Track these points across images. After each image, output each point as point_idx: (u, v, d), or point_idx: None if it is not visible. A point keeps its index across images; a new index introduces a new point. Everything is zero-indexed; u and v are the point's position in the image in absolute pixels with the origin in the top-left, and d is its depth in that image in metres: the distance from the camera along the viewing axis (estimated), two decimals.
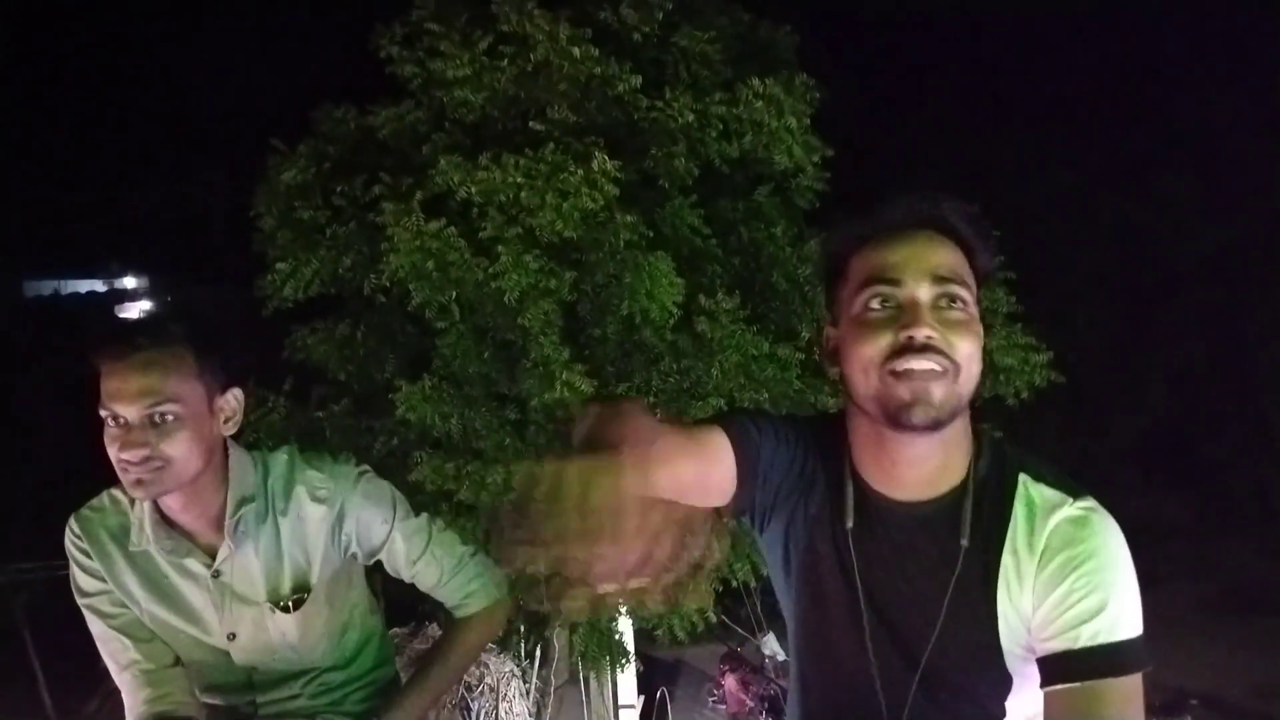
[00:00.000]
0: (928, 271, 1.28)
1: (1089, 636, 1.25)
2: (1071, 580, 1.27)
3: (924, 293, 1.27)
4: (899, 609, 1.34)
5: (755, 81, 4.89)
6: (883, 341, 1.26)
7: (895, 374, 1.26)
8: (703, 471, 1.28)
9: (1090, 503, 1.33)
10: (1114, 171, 16.63)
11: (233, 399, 1.65)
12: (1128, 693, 1.24)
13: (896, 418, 1.26)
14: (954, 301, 1.28)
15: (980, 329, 1.29)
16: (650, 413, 1.20)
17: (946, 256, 1.29)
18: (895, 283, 1.27)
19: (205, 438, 1.62)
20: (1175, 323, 16.18)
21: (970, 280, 1.31)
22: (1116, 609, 1.26)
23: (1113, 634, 1.25)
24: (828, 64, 5.38)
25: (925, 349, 1.25)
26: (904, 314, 1.27)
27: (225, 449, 1.69)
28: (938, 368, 1.26)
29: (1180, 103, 16.68)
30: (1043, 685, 1.28)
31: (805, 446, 1.41)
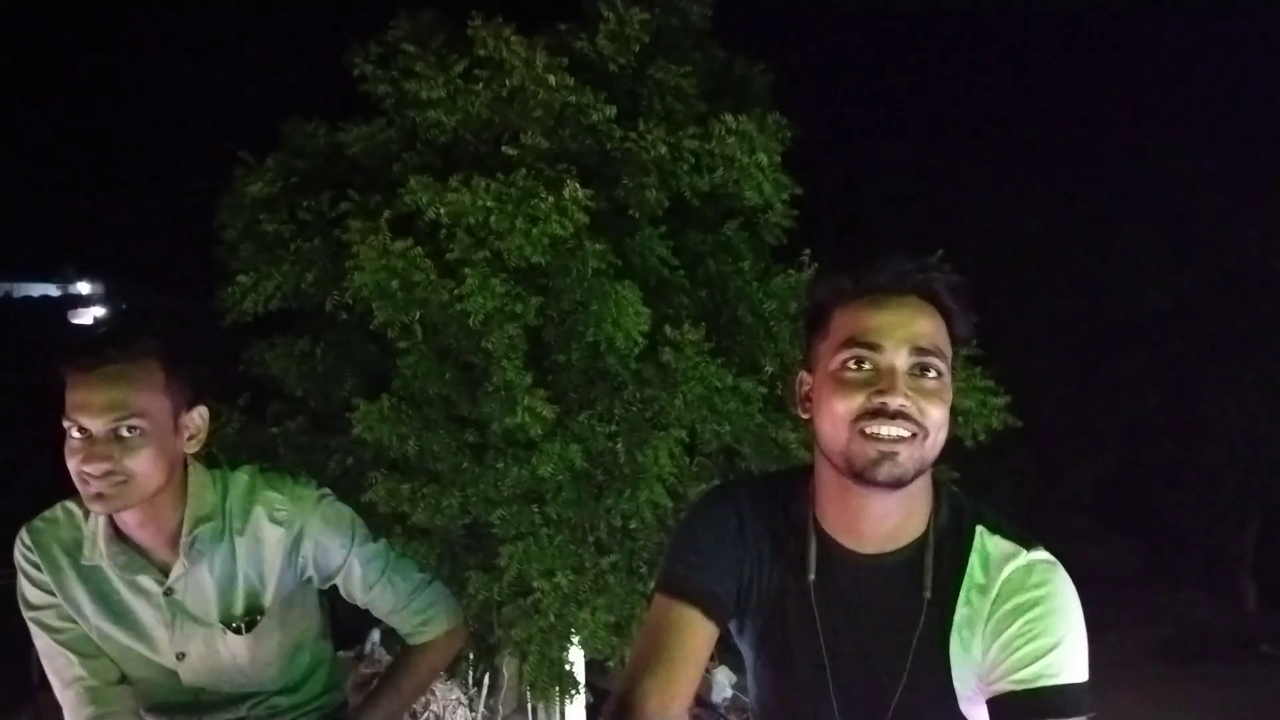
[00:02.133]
0: (908, 340, 1.31)
1: (1035, 678, 1.29)
2: (1020, 624, 1.31)
3: (902, 360, 1.31)
4: (863, 660, 1.36)
5: (729, 117, 4.93)
6: (856, 401, 1.30)
7: (865, 434, 1.30)
8: (705, 657, 1.41)
9: (1043, 554, 1.37)
10: (1077, 221, 16.94)
11: (198, 416, 1.63)
12: None
13: (862, 474, 1.30)
14: (928, 370, 1.32)
15: (950, 395, 1.34)
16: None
17: (926, 326, 1.33)
18: (875, 348, 1.30)
19: (168, 454, 1.59)
20: (1131, 372, 16.46)
21: (947, 349, 1.35)
22: (1063, 653, 1.30)
23: (1058, 676, 1.29)
24: (800, 103, 5.44)
25: (897, 415, 1.29)
26: (880, 379, 1.30)
27: (185, 466, 1.66)
28: (906, 433, 1.30)
29: (1143, 154, 17.05)
30: None
31: (760, 510, 1.44)
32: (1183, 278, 16.00)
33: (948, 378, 1.33)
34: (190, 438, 1.62)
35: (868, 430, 1.29)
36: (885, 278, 1.32)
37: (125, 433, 1.53)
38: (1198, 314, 15.91)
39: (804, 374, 1.39)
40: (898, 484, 1.29)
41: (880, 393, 1.28)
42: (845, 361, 1.31)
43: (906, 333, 1.30)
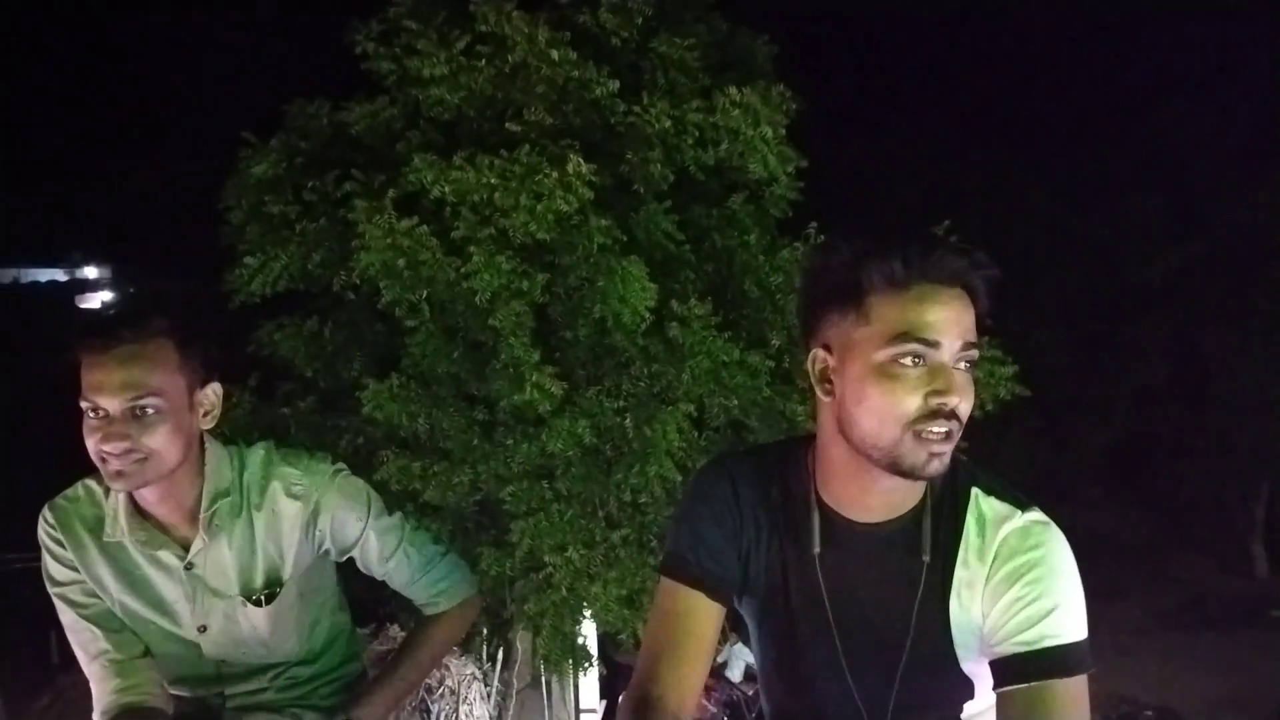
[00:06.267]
0: (960, 336, 1.28)
1: (1037, 639, 1.30)
2: (1019, 587, 1.32)
3: (952, 357, 1.28)
4: (868, 627, 1.38)
5: (732, 90, 4.92)
6: (913, 402, 1.26)
7: (919, 435, 1.27)
8: (714, 638, 1.43)
9: (1038, 514, 1.37)
10: (1084, 188, 16.85)
11: (212, 393, 1.65)
12: (1075, 693, 1.30)
13: (908, 471, 1.28)
14: (968, 364, 1.30)
15: None
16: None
17: (970, 319, 1.30)
18: (933, 344, 1.26)
19: (185, 431, 1.61)
20: (1139, 340, 16.41)
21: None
22: (1063, 613, 1.31)
23: (1060, 637, 1.30)
24: (804, 76, 5.42)
25: (950, 415, 1.27)
26: (936, 378, 1.26)
27: (202, 442, 1.68)
28: (954, 431, 1.29)
29: (1150, 122, 16.93)
30: (996, 687, 1.33)
31: (756, 483, 1.43)
32: (1190, 244, 15.91)
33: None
34: (205, 414, 1.64)
35: (924, 431, 1.26)
36: (942, 270, 1.27)
37: (142, 411, 1.54)
38: (1205, 281, 15.82)
39: (821, 352, 1.33)
40: (936, 477, 1.30)
41: (939, 393, 1.25)
42: (899, 356, 1.25)
43: (959, 329, 1.27)
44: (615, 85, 4.85)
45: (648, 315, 4.72)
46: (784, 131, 5.14)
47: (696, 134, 4.93)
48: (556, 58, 4.74)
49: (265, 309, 5.30)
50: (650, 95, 4.89)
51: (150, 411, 1.56)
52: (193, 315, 1.65)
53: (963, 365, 1.28)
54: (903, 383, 1.27)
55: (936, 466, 1.28)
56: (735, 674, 7.88)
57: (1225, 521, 17.10)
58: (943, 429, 1.27)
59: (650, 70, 5.09)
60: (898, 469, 1.29)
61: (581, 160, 4.54)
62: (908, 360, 1.27)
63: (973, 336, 1.29)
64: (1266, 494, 17.06)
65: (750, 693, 7.50)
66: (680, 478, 4.83)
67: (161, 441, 1.58)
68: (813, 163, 5.37)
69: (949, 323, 1.27)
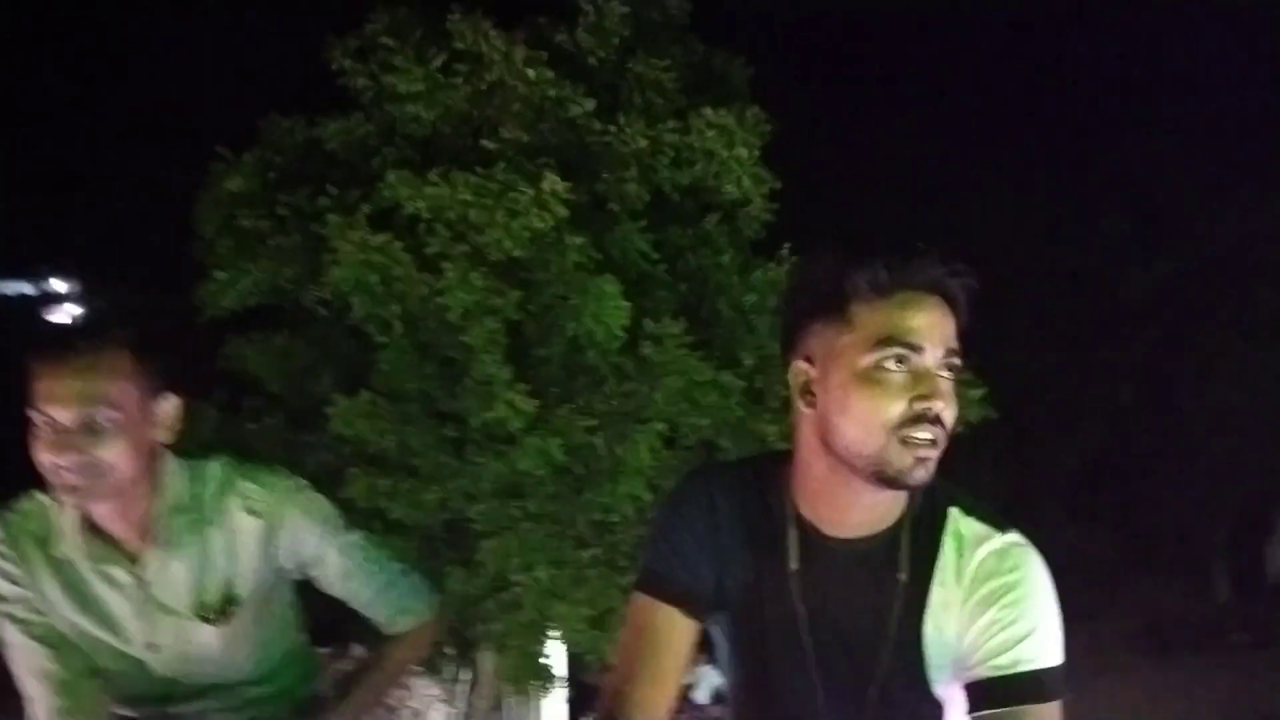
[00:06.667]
0: (943, 342, 1.28)
1: (1013, 663, 1.28)
2: (996, 609, 1.31)
3: (936, 362, 1.28)
4: (844, 645, 1.36)
5: (708, 111, 4.94)
6: (897, 407, 1.26)
7: (904, 441, 1.26)
8: (688, 655, 1.40)
9: (1016, 537, 1.37)
10: (1055, 210, 17.00)
11: (169, 405, 1.61)
12: (1050, 719, 1.28)
13: (894, 479, 1.27)
14: (950, 371, 1.29)
15: None
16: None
17: (951, 327, 1.30)
18: (917, 349, 1.26)
19: (141, 445, 1.57)
20: (1109, 361, 16.55)
21: None
22: (1040, 638, 1.30)
23: (1035, 661, 1.29)
24: (778, 98, 5.45)
25: (936, 420, 1.27)
26: (920, 382, 1.26)
27: (158, 456, 1.65)
28: (939, 439, 1.28)
29: (1121, 144, 17.13)
30: (969, 711, 1.31)
31: (734, 496, 1.41)
32: (1160, 267, 16.07)
33: None
34: (163, 427, 1.61)
35: (909, 437, 1.25)
36: (924, 277, 1.27)
37: (96, 423, 1.51)
38: (1175, 304, 15.99)
39: (803, 364, 1.32)
40: (921, 486, 1.28)
41: (923, 398, 1.24)
42: (882, 361, 1.25)
43: (942, 334, 1.27)
44: (591, 104, 4.86)
45: (621, 334, 4.71)
46: (758, 153, 5.17)
47: (672, 154, 4.95)
48: (533, 76, 4.74)
49: (235, 324, 5.26)
50: (626, 115, 4.89)
51: (106, 424, 1.53)
52: (152, 326, 1.61)
53: (946, 372, 1.28)
54: (887, 388, 1.26)
55: (922, 474, 1.27)
56: (702, 695, 7.83)
57: (1190, 543, 17.24)
58: (928, 435, 1.26)
59: (626, 90, 5.10)
60: (883, 477, 1.27)
61: (557, 178, 4.53)
62: (891, 364, 1.26)
63: (955, 344, 1.29)
64: (1231, 517, 17.23)
65: (717, 716, 7.46)
66: (651, 497, 4.81)
67: (116, 455, 1.54)
68: (786, 184, 5.40)
69: (932, 328, 1.27)
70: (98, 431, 1.52)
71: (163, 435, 1.63)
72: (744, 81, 5.60)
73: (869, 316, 1.27)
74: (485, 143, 4.81)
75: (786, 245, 5.15)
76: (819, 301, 1.31)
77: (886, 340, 1.26)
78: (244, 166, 5.06)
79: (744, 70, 5.62)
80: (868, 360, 1.26)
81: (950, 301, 1.30)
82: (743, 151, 5.04)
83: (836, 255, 1.31)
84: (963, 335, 1.32)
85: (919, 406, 1.25)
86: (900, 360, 1.26)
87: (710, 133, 4.94)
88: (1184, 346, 15.80)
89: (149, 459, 1.61)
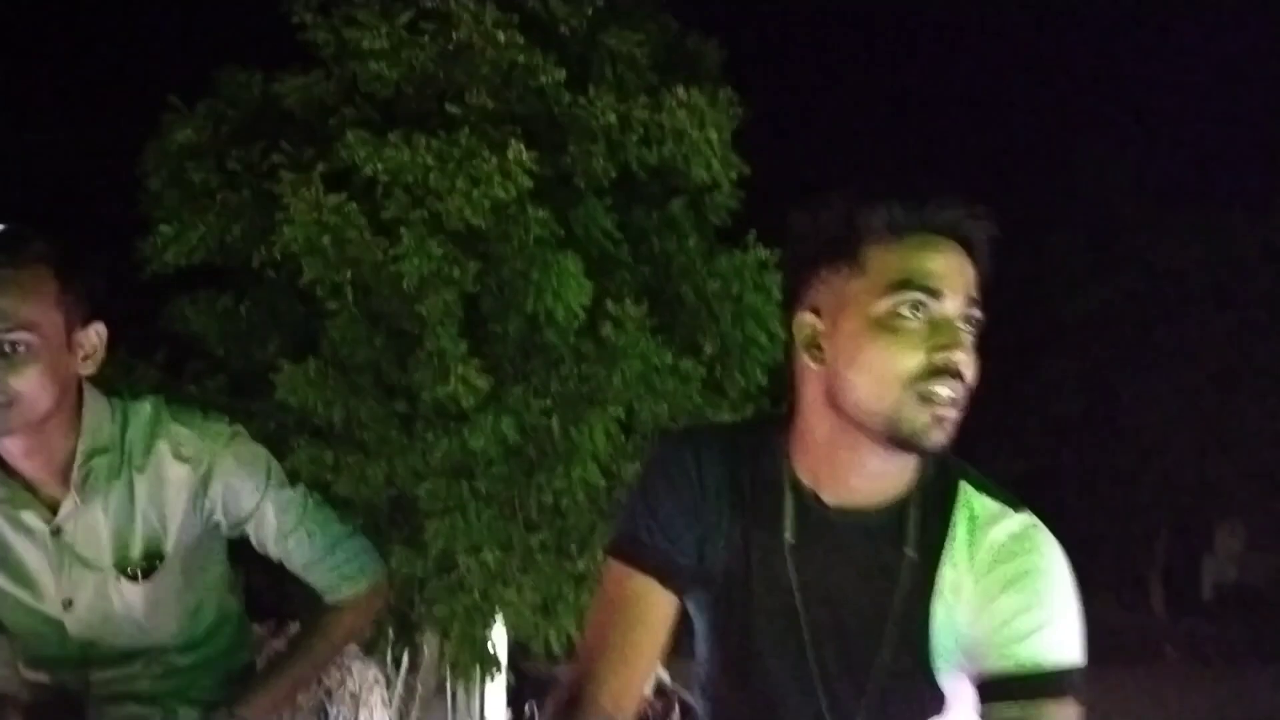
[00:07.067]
0: (964, 288, 1.16)
1: (1030, 655, 1.17)
2: (1012, 595, 1.19)
3: (957, 311, 1.15)
4: (840, 625, 1.23)
5: (680, 90, 4.84)
6: (915, 358, 1.13)
7: (921, 396, 1.13)
8: (666, 632, 1.26)
9: (1031, 517, 1.26)
10: (1005, 225, 17.21)
11: (94, 334, 1.44)
12: (1069, 718, 1.17)
13: (908, 439, 1.14)
14: (970, 324, 1.17)
15: None
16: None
17: (972, 275, 1.18)
18: (936, 294, 1.14)
19: (59, 375, 1.40)
20: (1054, 375, 16.76)
21: None
22: (1057, 630, 1.19)
23: (1054, 654, 1.18)
24: (750, 88, 5.38)
25: (957, 374, 1.14)
26: (939, 332, 1.14)
27: (80, 390, 1.48)
28: (959, 397, 1.15)
29: (1072, 161, 17.37)
30: (980, 704, 1.19)
31: (722, 460, 1.28)
32: (1107, 284, 16.29)
33: None
34: (85, 357, 1.43)
35: (927, 392, 1.12)
36: (943, 219, 1.15)
37: (10, 348, 1.34)
38: (1120, 321, 16.22)
39: (809, 315, 1.19)
40: (939, 451, 1.15)
41: (943, 348, 1.12)
42: (898, 307, 1.12)
43: (963, 281, 1.15)
44: (562, 74, 4.73)
45: (581, 313, 4.59)
46: (729, 137, 5.08)
47: (641, 131, 4.83)
48: (502, 40, 4.59)
49: (179, 283, 5.07)
50: (597, 88, 4.78)
51: (20, 348, 1.36)
52: (79, 245, 1.45)
53: (966, 325, 1.15)
54: (903, 336, 1.13)
55: (939, 436, 1.13)
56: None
57: (1126, 558, 17.53)
58: (948, 391, 1.13)
59: (598, 63, 4.98)
60: (897, 436, 1.14)
61: (523, 147, 4.41)
62: (907, 311, 1.13)
63: (975, 294, 1.16)
64: (1167, 532, 17.54)
65: (660, 707, 7.35)
66: (604, 483, 4.70)
67: (31, 384, 1.37)
68: (754, 176, 5.33)
69: (952, 273, 1.15)
70: (11, 357, 1.36)
71: (86, 367, 1.46)
72: (717, 63, 5.52)
73: (883, 259, 1.15)
74: (450, 107, 4.66)
75: (752, 232, 5.08)
76: (827, 245, 1.18)
77: (903, 284, 1.14)
78: (196, 118, 4.86)
79: (718, 52, 5.53)
80: (882, 306, 1.14)
81: (970, 248, 1.18)
82: (713, 133, 4.94)
83: (846, 195, 1.19)
84: (984, 287, 1.19)
85: (938, 358, 1.13)
86: (918, 307, 1.13)
87: (681, 112, 4.84)
88: (1128, 363, 16.05)
89: (69, 392, 1.45)
